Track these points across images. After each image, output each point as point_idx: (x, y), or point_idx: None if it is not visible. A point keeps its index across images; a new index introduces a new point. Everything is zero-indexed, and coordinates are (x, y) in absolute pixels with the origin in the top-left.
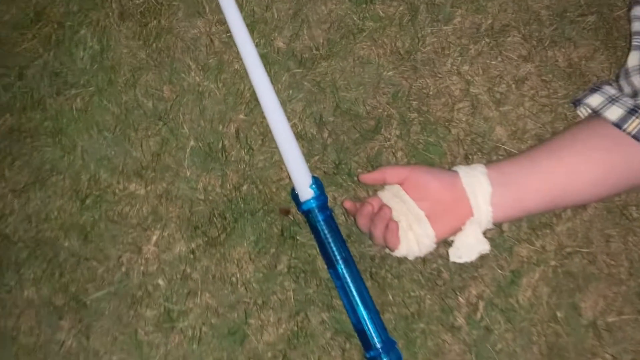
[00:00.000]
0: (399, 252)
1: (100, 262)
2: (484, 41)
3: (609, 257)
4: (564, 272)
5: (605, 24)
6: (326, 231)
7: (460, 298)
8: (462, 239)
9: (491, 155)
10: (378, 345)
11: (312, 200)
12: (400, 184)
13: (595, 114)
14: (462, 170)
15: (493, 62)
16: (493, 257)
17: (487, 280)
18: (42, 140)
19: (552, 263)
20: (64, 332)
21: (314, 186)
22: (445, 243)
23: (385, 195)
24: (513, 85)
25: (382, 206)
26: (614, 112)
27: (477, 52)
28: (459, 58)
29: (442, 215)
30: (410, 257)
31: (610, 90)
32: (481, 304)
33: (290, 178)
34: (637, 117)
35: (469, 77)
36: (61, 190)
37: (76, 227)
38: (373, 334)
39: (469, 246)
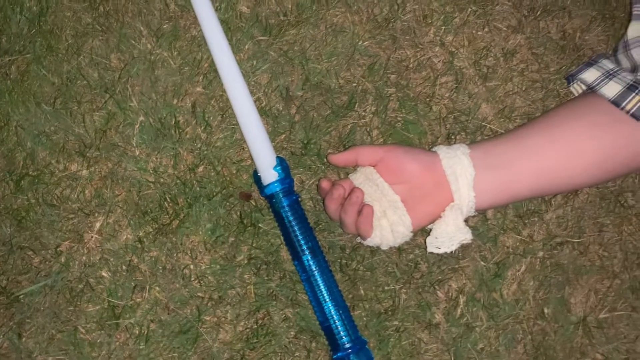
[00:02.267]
0: (372, 240)
1: (36, 252)
2: (470, 9)
3: (601, 248)
4: (553, 264)
5: None
6: (291, 218)
7: (439, 292)
8: (442, 227)
9: (476, 135)
10: (347, 345)
11: (276, 184)
12: (374, 166)
13: (591, 91)
14: (443, 151)
15: (480, 33)
16: (476, 247)
17: (468, 273)
18: None
19: (540, 254)
20: None
21: (278, 168)
22: (423, 232)
23: (358, 178)
24: (501, 59)
25: (354, 189)
26: (611, 88)
27: (463, 21)
28: (443, 27)
29: (420, 201)
30: (384, 247)
31: (608, 65)
32: (462, 299)
33: (252, 159)
34: (636, 94)
35: (453, 49)
36: None
37: (9, 212)
38: (341, 333)
39: (449, 235)
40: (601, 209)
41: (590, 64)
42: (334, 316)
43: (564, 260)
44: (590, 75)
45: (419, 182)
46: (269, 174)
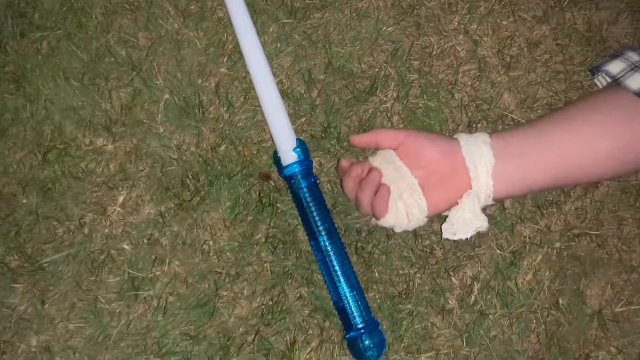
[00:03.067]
0: (386, 221)
1: (61, 222)
2: None
3: (620, 242)
4: (570, 256)
5: None
6: (309, 199)
7: (453, 279)
8: (458, 213)
9: (497, 124)
10: (359, 326)
11: (295, 165)
12: (394, 149)
13: (615, 83)
14: (463, 139)
15: (504, 22)
16: (492, 235)
17: (484, 261)
18: (3, 86)
19: (557, 245)
20: (17, 295)
21: (298, 150)
22: (439, 218)
23: (377, 160)
24: (525, 49)
25: (373, 169)
26: (636, 80)
27: (488, 10)
28: (467, 16)
29: (438, 186)
30: (398, 229)
31: (634, 57)
32: (476, 286)
33: (273, 140)
34: None
35: (477, 37)
36: (22, 141)
37: (36, 183)
38: (355, 313)
39: (465, 222)
40: (621, 203)
41: (615, 55)
42: (348, 296)
43: (581, 252)
44: (615, 67)
45: (438, 167)
46: (289, 155)
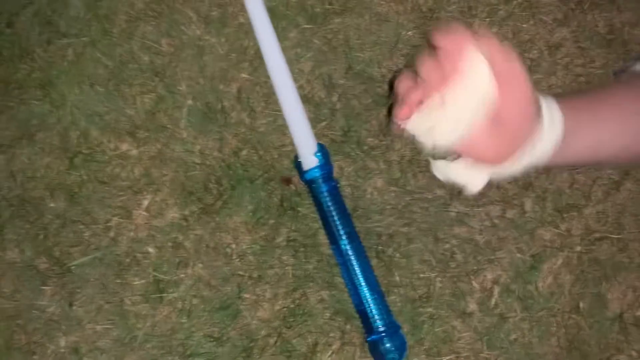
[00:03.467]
0: (408, 123)
1: (87, 226)
2: (515, 1)
3: None
4: (590, 259)
5: None
6: (330, 203)
7: (474, 282)
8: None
9: None
10: (381, 329)
11: (316, 170)
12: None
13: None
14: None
15: (525, 25)
16: (513, 239)
17: (504, 265)
18: (31, 92)
19: (578, 249)
20: (46, 297)
21: (319, 154)
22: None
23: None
24: (545, 52)
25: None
26: None
27: (508, 13)
28: (487, 19)
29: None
30: (421, 144)
31: None
32: (496, 290)
33: (294, 144)
34: None
35: None
36: (49, 147)
37: (63, 187)
38: (376, 317)
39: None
40: None
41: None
42: (369, 300)
43: (602, 256)
44: None
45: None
46: (310, 160)
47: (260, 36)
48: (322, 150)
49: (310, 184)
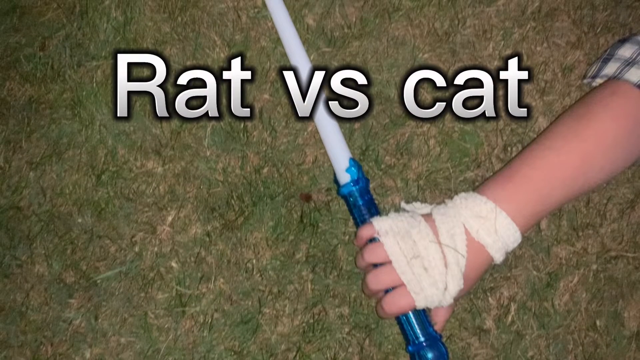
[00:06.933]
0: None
1: (113, 241)
2: (529, 25)
3: None
4: (607, 278)
5: None
6: (366, 217)
7: (490, 299)
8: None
9: None
10: (421, 339)
11: (349, 185)
12: None
13: (612, 80)
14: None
15: (539, 48)
16: (529, 257)
17: (520, 282)
18: (61, 112)
19: (594, 267)
20: (72, 310)
21: (350, 170)
22: None
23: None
24: (559, 74)
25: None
26: (635, 74)
27: (522, 36)
28: (502, 42)
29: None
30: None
31: (625, 54)
32: (513, 307)
33: (315, 162)
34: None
35: None
36: (77, 164)
37: (90, 203)
38: (416, 327)
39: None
40: None
41: (607, 59)
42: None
43: (618, 274)
44: (611, 68)
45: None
46: (343, 175)
47: (294, 58)
48: (356, 165)
49: (346, 198)
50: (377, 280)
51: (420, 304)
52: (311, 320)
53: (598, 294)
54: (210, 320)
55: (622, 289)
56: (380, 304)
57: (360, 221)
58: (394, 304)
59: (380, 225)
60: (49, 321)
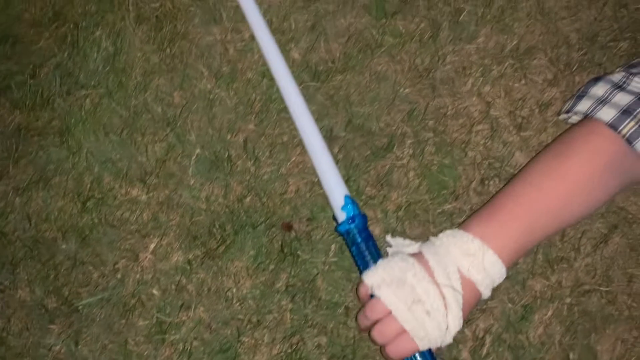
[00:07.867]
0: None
1: (96, 267)
2: (507, 62)
3: (630, 298)
4: (580, 311)
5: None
6: (365, 255)
7: (466, 331)
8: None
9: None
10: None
11: (345, 223)
12: None
13: (586, 117)
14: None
15: (516, 85)
16: (504, 289)
17: (496, 314)
18: (49, 139)
19: (568, 300)
20: (53, 336)
21: (345, 207)
22: None
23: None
24: (536, 110)
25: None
26: (606, 113)
27: (500, 73)
28: (481, 78)
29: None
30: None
31: (598, 92)
32: (488, 339)
33: (298, 192)
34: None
35: (490, 99)
36: (63, 191)
37: (75, 230)
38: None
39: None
40: (631, 260)
41: (581, 96)
42: None
43: (592, 308)
44: (584, 105)
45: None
46: (340, 213)
47: (287, 96)
48: (351, 203)
49: (345, 235)
50: (382, 335)
51: (424, 348)
52: (289, 350)
53: (572, 327)
54: (189, 348)
55: (595, 323)
56: (386, 350)
57: (358, 259)
58: (398, 352)
59: (371, 280)
60: (29, 347)
